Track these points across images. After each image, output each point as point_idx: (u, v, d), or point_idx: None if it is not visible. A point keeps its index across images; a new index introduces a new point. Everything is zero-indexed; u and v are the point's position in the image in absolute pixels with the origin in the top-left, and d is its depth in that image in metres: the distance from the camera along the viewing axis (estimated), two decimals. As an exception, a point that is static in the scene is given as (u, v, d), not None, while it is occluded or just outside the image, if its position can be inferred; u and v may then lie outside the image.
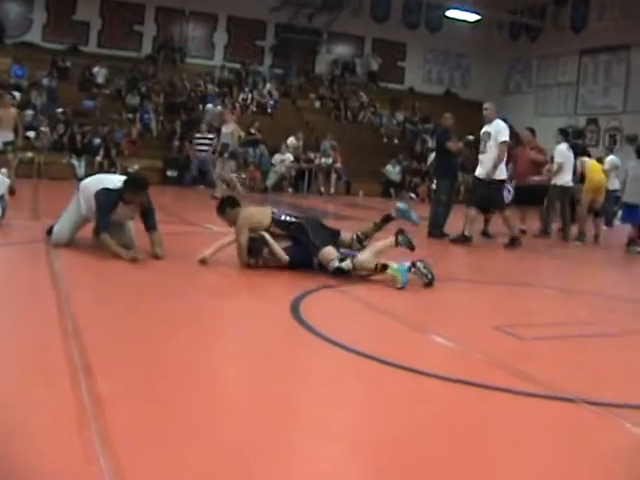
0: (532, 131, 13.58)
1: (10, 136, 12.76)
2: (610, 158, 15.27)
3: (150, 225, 7.11)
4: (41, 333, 3.98)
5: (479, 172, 10.43)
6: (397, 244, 6.63)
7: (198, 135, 20.64)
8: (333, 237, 6.73)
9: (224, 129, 16.78)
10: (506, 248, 10.38)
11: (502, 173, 10.51)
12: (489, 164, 10.22)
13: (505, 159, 10.55)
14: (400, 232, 6.70)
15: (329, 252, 6.43)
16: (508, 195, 14.76)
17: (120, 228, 7.17)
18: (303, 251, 6.50)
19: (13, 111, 13.19)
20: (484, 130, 10.57)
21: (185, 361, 3.71)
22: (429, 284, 6.27)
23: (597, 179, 12.49)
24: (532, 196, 12.99)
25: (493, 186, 10.37)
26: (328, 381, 3.66)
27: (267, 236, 6.55)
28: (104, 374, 3.27)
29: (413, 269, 6.25)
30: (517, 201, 12.88)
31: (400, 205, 7.13)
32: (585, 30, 25.91)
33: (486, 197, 10.47)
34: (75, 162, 19.64)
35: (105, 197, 6.88)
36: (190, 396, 3.17)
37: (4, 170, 9.65)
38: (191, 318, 4.74)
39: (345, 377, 3.75)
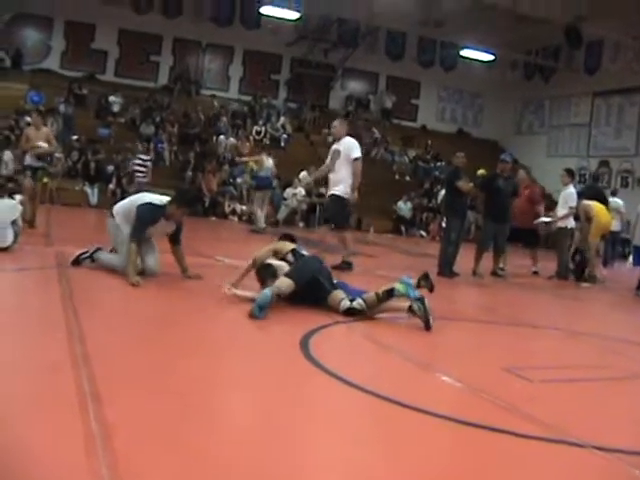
0: (527, 171, 13.70)
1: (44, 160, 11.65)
2: (610, 200, 15.27)
3: (178, 239, 7.48)
4: (51, 359, 3.98)
5: (337, 190, 10.10)
6: (419, 286, 6.52)
7: (138, 162, 19.76)
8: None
9: (267, 163, 17.00)
10: (335, 269, 8.95)
11: (348, 190, 10.14)
12: (346, 182, 10.03)
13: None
14: (424, 277, 6.63)
15: (337, 295, 6.39)
16: None
17: (149, 249, 7.35)
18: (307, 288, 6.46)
19: (45, 130, 11.92)
20: (333, 148, 10.40)
21: (193, 391, 3.71)
22: (427, 327, 6.02)
23: (604, 221, 12.45)
24: (529, 237, 13.01)
25: (343, 202, 10.16)
26: (335, 419, 3.64)
27: (279, 268, 6.60)
28: (112, 402, 3.27)
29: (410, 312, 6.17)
30: (510, 239, 12.80)
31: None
32: (598, 72, 26.09)
33: (343, 214, 10.34)
34: (88, 189, 19.78)
35: (149, 211, 7.10)
36: (197, 426, 3.16)
37: (19, 197, 9.45)
38: (200, 349, 4.74)
39: (352, 415, 3.74)
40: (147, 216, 7.10)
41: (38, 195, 11.63)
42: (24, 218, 9.97)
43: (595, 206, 12.34)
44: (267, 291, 5.90)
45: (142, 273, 7.06)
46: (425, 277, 6.59)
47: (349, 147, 10.18)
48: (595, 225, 12.15)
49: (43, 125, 12.07)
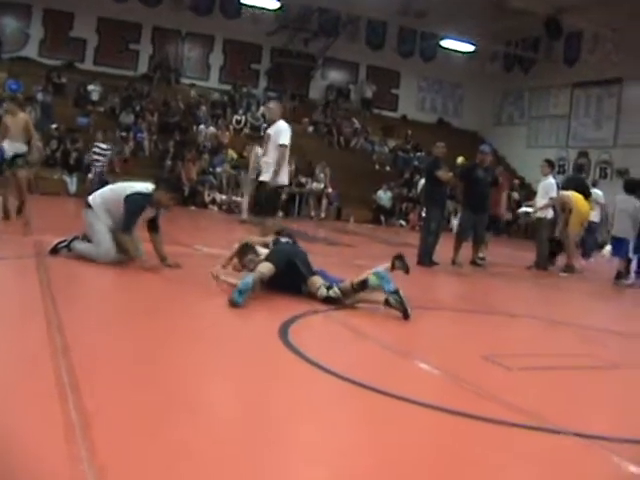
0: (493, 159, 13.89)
1: (21, 148, 10.88)
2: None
3: (156, 226, 7.51)
4: (30, 350, 3.96)
5: (266, 176, 9.60)
6: (393, 268, 6.58)
7: (97, 150, 19.06)
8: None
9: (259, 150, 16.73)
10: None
11: (284, 179, 9.78)
12: (272, 168, 9.50)
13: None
14: (398, 257, 6.65)
15: (316, 281, 6.44)
16: None
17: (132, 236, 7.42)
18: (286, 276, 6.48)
19: (23, 117, 11.26)
20: (267, 132, 10.05)
21: (172, 381, 3.69)
22: (405, 317, 5.98)
23: (584, 211, 12.55)
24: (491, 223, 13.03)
25: (277, 190, 9.82)
26: (316, 408, 3.65)
27: (261, 251, 6.66)
28: (92, 392, 3.25)
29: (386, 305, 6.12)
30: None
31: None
32: (578, 63, 26.19)
33: (269, 201, 9.77)
34: (67, 178, 19.62)
35: (137, 201, 7.15)
36: (176, 415, 3.15)
37: None
38: (180, 338, 4.73)
39: (331, 403, 3.74)
40: (137, 206, 7.14)
41: (18, 185, 11.05)
42: (4, 209, 9.90)
43: (574, 196, 12.42)
44: (248, 278, 5.91)
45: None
46: (399, 258, 6.60)
47: (278, 131, 9.66)
48: (574, 216, 12.24)
49: (21, 111, 11.64)
